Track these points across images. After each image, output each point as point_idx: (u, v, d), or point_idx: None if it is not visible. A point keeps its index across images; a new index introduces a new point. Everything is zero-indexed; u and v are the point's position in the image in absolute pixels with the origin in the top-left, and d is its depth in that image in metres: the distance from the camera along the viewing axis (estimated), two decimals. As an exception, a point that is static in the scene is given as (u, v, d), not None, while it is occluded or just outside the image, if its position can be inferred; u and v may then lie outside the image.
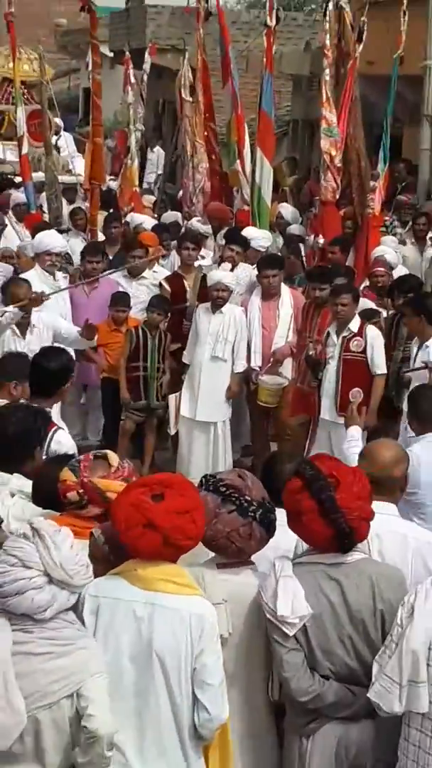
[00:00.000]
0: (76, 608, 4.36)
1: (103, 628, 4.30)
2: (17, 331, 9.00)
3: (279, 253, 13.05)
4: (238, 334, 10.45)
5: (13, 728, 3.99)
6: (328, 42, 13.38)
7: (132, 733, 4.26)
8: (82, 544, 4.43)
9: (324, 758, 4.64)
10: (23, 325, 9.08)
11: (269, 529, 4.83)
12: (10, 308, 8.97)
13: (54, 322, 9.33)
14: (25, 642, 4.14)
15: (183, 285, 11.56)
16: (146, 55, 17.27)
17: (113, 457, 5.24)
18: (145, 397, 10.62)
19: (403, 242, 14.04)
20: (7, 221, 14.18)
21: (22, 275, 10.60)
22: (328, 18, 13.46)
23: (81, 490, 4.96)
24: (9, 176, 18.39)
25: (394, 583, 4.66)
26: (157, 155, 23.21)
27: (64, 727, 4.09)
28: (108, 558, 4.55)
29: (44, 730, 4.09)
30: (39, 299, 9.14)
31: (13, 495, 5.40)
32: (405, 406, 9.55)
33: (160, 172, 23.04)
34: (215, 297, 10.41)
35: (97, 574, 4.45)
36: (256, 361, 10.63)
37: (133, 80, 17.34)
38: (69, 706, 4.07)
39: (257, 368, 10.63)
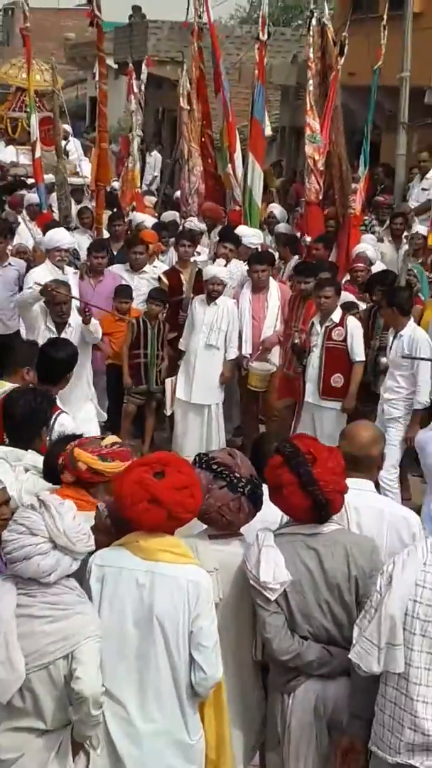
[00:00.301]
0: (82, 577, 4.39)
1: (109, 595, 4.32)
2: (53, 329, 9.03)
3: (269, 250, 13.08)
4: (230, 324, 10.46)
5: (12, 683, 4.06)
6: (312, 55, 13.38)
7: (134, 690, 4.30)
8: (83, 516, 4.45)
9: (304, 713, 4.68)
10: (60, 325, 9.10)
11: (256, 504, 4.85)
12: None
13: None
14: (28, 605, 4.20)
15: (180, 279, 11.56)
16: (142, 66, 17.21)
17: (108, 439, 5.25)
18: (146, 382, 10.65)
19: (381, 240, 14.06)
20: (20, 220, 14.18)
21: (34, 269, 10.65)
22: (312, 33, 13.46)
23: (72, 469, 4.99)
24: (22, 178, 18.37)
25: (366, 552, 4.69)
26: (154, 159, 23.18)
27: (60, 686, 4.14)
28: (110, 530, 4.57)
29: (42, 687, 4.14)
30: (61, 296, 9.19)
31: (27, 470, 5.43)
32: (382, 391, 9.63)
33: (156, 174, 23.05)
34: (210, 290, 10.43)
35: (100, 546, 4.47)
36: (247, 349, 10.66)
37: (135, 90, 17.30)
38: (64, 666, 4.12)
39: (248, 355, 10.67)
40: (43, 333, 9.10)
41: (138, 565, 4.31)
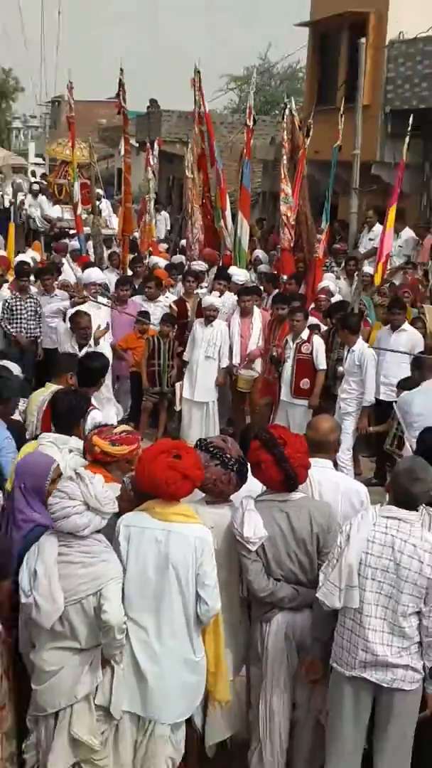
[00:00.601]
0: (111, 535, 4.42)
1: (134, 549, 4.36)
2: (77, 348, 9.24)
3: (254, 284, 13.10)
4: (222, 340, 10.46)
5: (53, 613, 4.12)
6: (285, 137, 13.48)
7: (153, 621, 4.34)
8: (109, 485, 4.51)
9: (277, 637, 4.72)
10: (81, 345, 9.28)
11: (243, 478, 4.88)
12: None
13: None
14: (66, 554, 4.26)
15: (186, 306, 11.56)
16: (155, 144, 17.23)
17: (120, 428, 5.30)
18: (159, 385, 10.63)
19: (338, 278, 14.03)
20: (64, 261, 14.20)
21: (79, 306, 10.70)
22: (285, 120, 13.55)
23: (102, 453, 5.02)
24: (66, 230, 18.36)
25: (325, 514, 4.73)
26: (163, 217, 23.11)
27: (91, 616, 4.19)
28: (132, 499, 4.60)
29: (76, 617, 4.19)
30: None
31: (70, 451, 5.44)
32: (339, 392, 9.65)
33: (168, 228, 23.01)
34: (207, 315, 10.44)
35: (123, 511, 4.53)
36: (236, 360, 10.63)
37: (152, 163, 17.27)
38: (94, 601, 4.17)
39: (236, 365, 10.65)
40: (68, 350, 9.22)
41: (156, 525, 4.37)
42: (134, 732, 4.43)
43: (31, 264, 13.89)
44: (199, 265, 13.38)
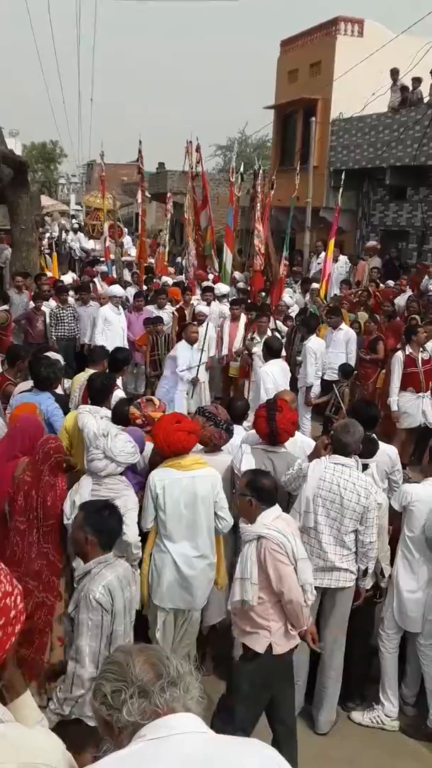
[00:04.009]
0: (145, 484, 4.41)
1: (169, 495, 4.31)
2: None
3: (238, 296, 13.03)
4: (209, 336, 10.13)
5: None
6: (259, 189, 13.53)
7: (188, 540, 4.36)
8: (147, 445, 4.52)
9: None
10: None
11: (230, 434, 4.90)
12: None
13: None
14: (97, 489, 4.27)
15: (184, 313, 11.36)
16: (167, 198, 17.03)
17: (156, 400, 5.30)
18: (159, 369, 10.13)
19: (295, 291, 14.05)
20: (96, 280, 14.04)
21: (102, 307, 10.79)
22: (258, 178, 13.64)
23: (142, 418, 4.98)
24: (97, 257, 18.25)
25: (293, 461, 4.69)
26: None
27: None
28: (158, 461, 4.57)
29: None
30: None
31: (102, 417, 5.40)
32: (297, 373, 9.58)
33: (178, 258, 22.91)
34: (198, 318, 10.14)
35: (154, 462, 4.57)
36: (224, 352, 10.46)
37: (169, 207, 16.99)
38: None
39: (224, 356, 10.50)
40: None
41: (182, 475, 4.34)
42: (177, 621, 4.48)
43: (70, 282, 13.85)
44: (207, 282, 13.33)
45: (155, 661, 1.70)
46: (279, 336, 9.95)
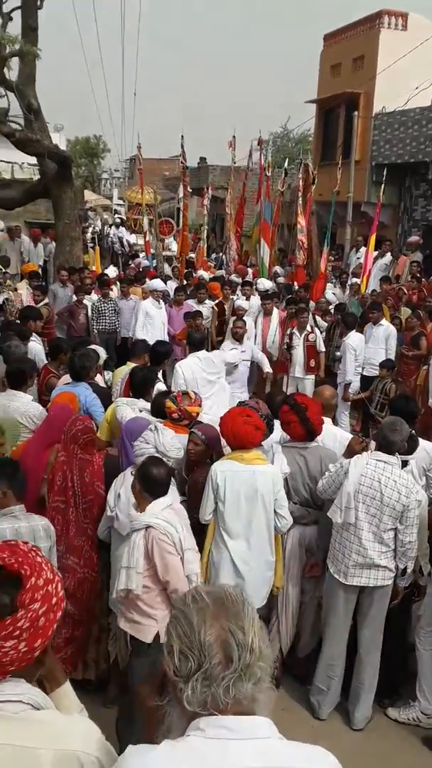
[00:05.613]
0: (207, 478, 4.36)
1: (230, 487, 4.27)
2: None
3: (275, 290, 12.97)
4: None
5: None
6: (300, 184, 13.34)
7: (245, 535, 4.30)
8: (178, 438, 4.42)
9: (293, 544, 4.69)
10: None
11: (271, 429, 4.82)
12: None
13: None
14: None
15: (224, 307, 11.34)
16: (206, 190, 16.99)
17: (192, 394, 5.22)
18: None
19: (335, 286, 13.91)
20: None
21: (143, 301, 10.77)
22: (300, 172, 13.45)
23: (179, 413, 4.96)
24: (138, 251, 18.33)
25: (331, 458, 4.66)
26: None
27: None
28: (201, 445, 4.56)
29: None
30: None
31: (140, 410, 5.41)
32: (336, 369, 9.54)
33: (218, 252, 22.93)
34: (238, 313, 10.06)
35: (197, 455, 4.56)
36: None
37: (206, 202, 17.03)
38: None
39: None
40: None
41: (244, 468, 4.27)
42: None
43: (112, 276, 13.91)
44: (235, 278, 13.26)
45: (229, 638, 1.47)
46: (318, 331, 9.87)
